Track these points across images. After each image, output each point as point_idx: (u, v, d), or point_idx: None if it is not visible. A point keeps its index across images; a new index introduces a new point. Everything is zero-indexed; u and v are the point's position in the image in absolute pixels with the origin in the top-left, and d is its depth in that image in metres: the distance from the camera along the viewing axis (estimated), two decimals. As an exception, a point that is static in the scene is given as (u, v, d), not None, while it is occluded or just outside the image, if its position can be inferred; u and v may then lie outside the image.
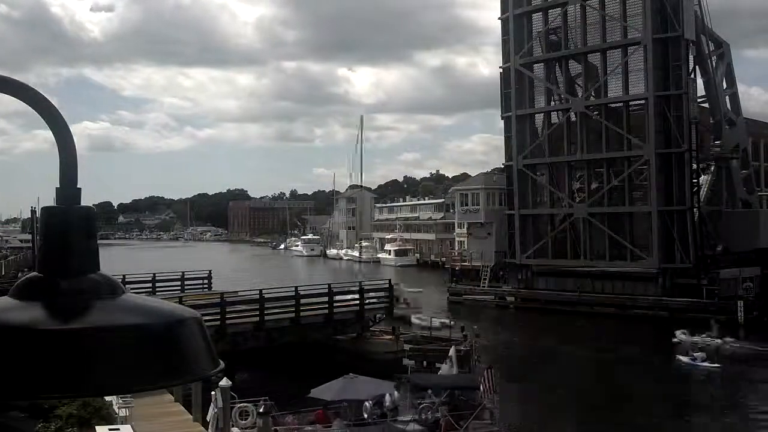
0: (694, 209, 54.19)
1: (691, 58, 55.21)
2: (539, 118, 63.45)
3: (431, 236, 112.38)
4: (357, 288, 40.47)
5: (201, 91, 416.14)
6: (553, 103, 62.74)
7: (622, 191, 57.69)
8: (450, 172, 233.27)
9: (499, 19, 64.37)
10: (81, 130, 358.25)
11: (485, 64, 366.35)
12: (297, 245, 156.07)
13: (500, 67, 64.50)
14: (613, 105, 58.66)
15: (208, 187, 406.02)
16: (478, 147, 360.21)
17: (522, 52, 62.01)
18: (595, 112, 58.94)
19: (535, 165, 62.39)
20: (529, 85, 62.65)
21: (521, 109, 62.12)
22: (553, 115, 62.74)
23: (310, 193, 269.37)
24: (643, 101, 55.87)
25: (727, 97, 61.45)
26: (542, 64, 62.07)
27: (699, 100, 59.71)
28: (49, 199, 1.56)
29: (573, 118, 60.06)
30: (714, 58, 60.26)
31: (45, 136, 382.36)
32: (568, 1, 59.12)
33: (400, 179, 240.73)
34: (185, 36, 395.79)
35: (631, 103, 57.64)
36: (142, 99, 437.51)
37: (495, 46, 66.95)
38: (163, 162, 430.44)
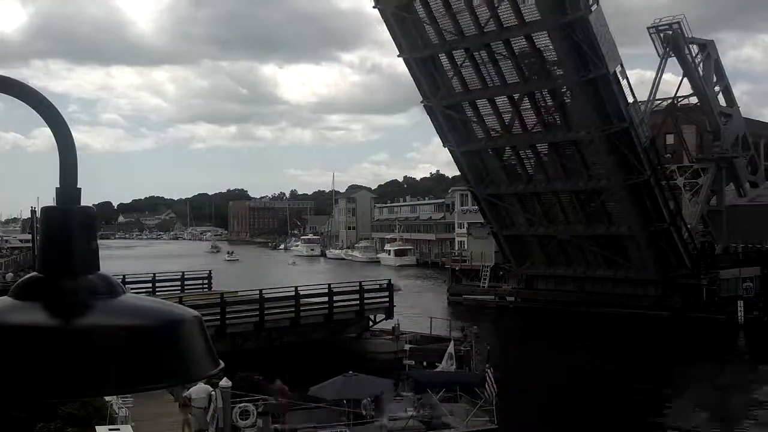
0: (678, 224, 52.06)
1: (624, 84, 49.30)
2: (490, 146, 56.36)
3: (431, 236, 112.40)
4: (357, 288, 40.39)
5: (138, 90, 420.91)
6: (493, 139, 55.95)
7: (601, 214, 53.76)
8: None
9: (398, 56, 55.17)
10: (40, 133, 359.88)
11: (401, 63, 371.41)
12: (297, 245, 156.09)
13: (423, 104, 55.99)
14: (562, 142, 52.91)
15: (209, 187, 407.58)
16: (438, 149, 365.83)
17: (440, 94, 54.13)
18: (544, 149, 54.38)
19: (500, 194, 57.29)
20: (463, 122, 55.80)
21: (464, 145, 55.85)
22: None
23: (310, 192, 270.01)
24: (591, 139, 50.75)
25: (720, 94, 61.11)
26: (468, 104, 54.90)
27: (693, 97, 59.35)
28: (49, 199, 1.56)
29: (523, 155, 55.52)
30: (700, 63, 59.44)
31: (6, 138, 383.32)
32: (470, 46, 51.46)
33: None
34: (95, 34, 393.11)
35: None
36: (85, 100, 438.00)
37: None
38: (123, 163, 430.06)
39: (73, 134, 1.44)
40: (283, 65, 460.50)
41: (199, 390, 20.83)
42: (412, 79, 55.82)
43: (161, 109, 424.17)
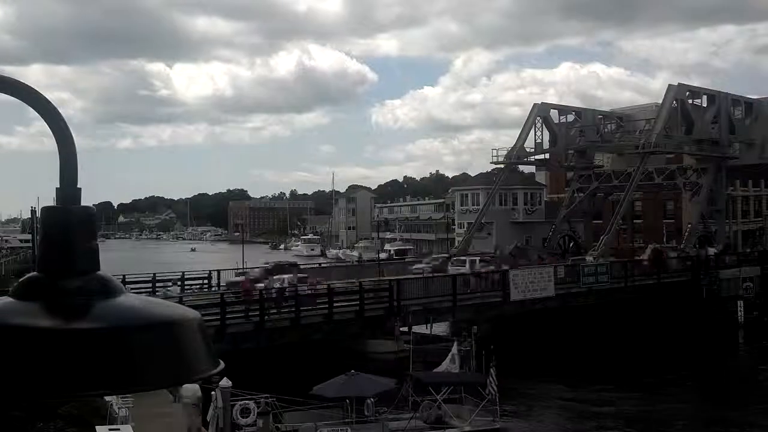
0: None
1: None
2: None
3: (431, 236, 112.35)
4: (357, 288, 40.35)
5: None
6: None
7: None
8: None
9: None
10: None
11: (284, 63, 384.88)
12: (297, 245, 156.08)
13: None
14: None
15: (209, 187, 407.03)
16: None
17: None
18: None
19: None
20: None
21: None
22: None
23: (310, 192, 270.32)
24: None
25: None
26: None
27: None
28: (50, 199, 1.56)
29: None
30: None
31: (7, 138, 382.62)
32: None
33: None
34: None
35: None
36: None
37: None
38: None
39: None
40: (171, 64, 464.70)
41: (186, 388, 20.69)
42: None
43: (85, 112, 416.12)
